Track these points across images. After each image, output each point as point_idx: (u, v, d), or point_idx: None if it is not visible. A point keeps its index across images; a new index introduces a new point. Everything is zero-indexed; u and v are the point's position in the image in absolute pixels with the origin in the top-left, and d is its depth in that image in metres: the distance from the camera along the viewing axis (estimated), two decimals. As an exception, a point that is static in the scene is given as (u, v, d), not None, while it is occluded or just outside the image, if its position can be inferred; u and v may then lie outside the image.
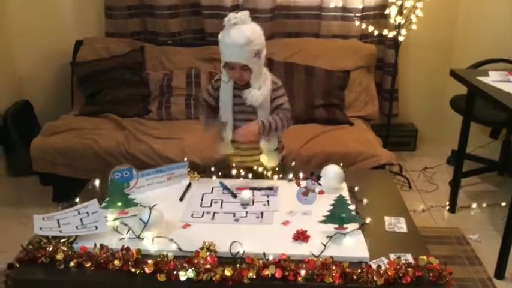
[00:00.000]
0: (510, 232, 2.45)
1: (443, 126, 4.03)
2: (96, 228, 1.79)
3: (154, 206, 1.79)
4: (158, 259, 1.62)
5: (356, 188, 2.13)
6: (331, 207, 1.79)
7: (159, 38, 3.77)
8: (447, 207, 3.15)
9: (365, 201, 2.04)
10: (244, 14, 2.03)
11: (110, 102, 3.41)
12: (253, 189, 2.10)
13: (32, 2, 3.65)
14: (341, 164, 2.14)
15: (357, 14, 3.53)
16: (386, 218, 1.93)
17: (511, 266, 2.53)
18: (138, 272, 1.60)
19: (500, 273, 2.51)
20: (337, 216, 1.79)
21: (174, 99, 3.39)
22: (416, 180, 3.53)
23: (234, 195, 2.05)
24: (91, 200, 1.98)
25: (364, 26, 3.44)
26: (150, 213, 1.74)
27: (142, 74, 3.52)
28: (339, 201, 1.78)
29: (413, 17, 3.22)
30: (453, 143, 3.26)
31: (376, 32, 3.40)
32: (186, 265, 1.59)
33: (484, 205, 3.19)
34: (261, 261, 1.61)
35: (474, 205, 3.17)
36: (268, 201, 2.02)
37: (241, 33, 1.99)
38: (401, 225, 1.89)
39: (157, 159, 2.94)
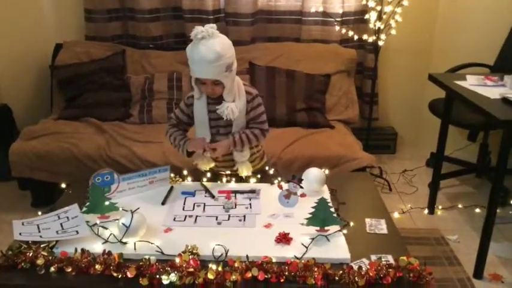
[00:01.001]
0: (488, 232, 2.50)
1: (422, 130, 4.10)
2: (77, 232, 1.77)
3: (137, 210, 1.78)
4: (140, 263, 1.62)
5: (337, 191, 2.16)
6: (313, 210, 1.81)
7: (140, 42, 3.75)
8: (426, 209, 3.19)
9: (346, 203, 2.06)
10: (212, 27, 1.96)
11: (91, 106, 3.38)
12: (235, 192, 2.11)
13: (11, 4, 3.60)
14: (323, 169, 2.15)
15: (337, 19, 3.57)
16: (367, 220, 1.95)
17: (489, 266, 2.58)
18: (120, 276, 1.59)
19: (478, 273, 2.55)
20: (318, 218, 1.81)
21: (155, 103, 3.38)
22: (396, 183, 3.57)
23: (212, 196, 2.06)
24: (71, 205, 1.96)
25: (344, 30, 3.47)
26: (132, 217, 1.74)
27: (123, 77, 3.50)
28: (321, 204, 1.80)
29: (392, 22, 3.27)
30: (432, 146, 3.32)
31: (356, 37, 3.44)
32: (169, 269, 1.59)
33: (461, 206, 3.25)
34: (243, 263, 1.62)
35: (452, 206, 3.23)
36: (250, 204, 2.03)
37: (210, 48, 1.91)
38: (382, 227, 1.92)
39: (138, 163, 2.92)
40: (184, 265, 1.60)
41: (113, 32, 3.76)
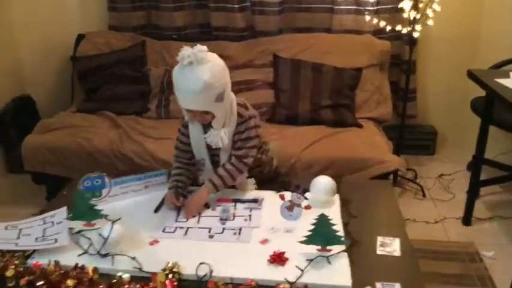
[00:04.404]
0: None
1: (466, 129, 3.74)
2: (56, 241, 1.65)
3: (118, 220, 1.64)
4: (113, 280, 1.47)
5: (351, 201, 1.94)
6: (313, 227, 1.60)
7: (164, 32, 3.62)
8: (462, 219, 2.89)
9: (358, 217, 1.84)
10: (201, 51, 1.69)
11: (109, 99, 3.28)
12: (236, 201, 1.94)
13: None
14: (341, 175, 1.93)
15: (370, 8, 3.29)
16: (379, 239, 1.73)
17: (527, 290, 2.28)
18: (91, 294, 1.46)
19: (514, 297, 2.26)
20: (320, 236, 1.60)
21: (173, 97, 3.22)
22: (432, 188, 3.27)
23: (208, 206, 1.89)
24: (60, 209, 1.85)
25: (375, 20, 3.19)
26: (112, 228, 1.59)
27: (143, 69, 3.37)
28: (321, 221, 1.59)
29: (429, 12, 2.96)
30: (475, 148, 2.98)
31: (388, 28, 3.15)
32: (143, 289, 1.44)
33: (502, 217, 2.92)
34: (228, 286, 1.45)
35: (492, 217, 2.91)
36: (250, 215, 1.85)
37: (197, 78, 1.67)
38: (395, 248, 1.69)
39: (150, 160, 2.79)
40: (158, 286, 1.44)
41: (136, 22, 3.63)
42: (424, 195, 3.18)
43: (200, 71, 1.69)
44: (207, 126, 1.89)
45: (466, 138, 3.71)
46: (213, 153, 1.97)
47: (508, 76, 2.46)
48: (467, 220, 2.87)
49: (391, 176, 3.23)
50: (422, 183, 3.30)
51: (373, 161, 2.68)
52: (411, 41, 3.08)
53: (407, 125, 3.67)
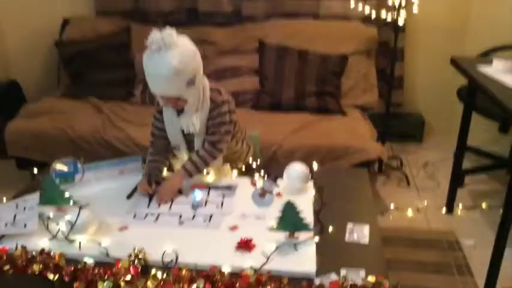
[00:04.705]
0: (503, 238, 2.20)
1: (453, 118, 3.71)
2: (25, 226, 1.65)
3: (86, 205, 1.64)
4: (78, 266, 1.48)
5: (325, 189, 1.93)
6: (280, 214, 1.60)
7: (151, 18, 3.58)
8: (444, 208, 2.89)
9: (331, 204, 1.83)
10: (169, 35, 1.66)
11: (94, 85, 3.27)
12: (210, 187, 1.93)
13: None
14: (314, 163, 1.92)
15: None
16: (349, 225, 1.73)
17: (503, 279, 2.28)
18: (55, 278, 1.46)
19: (490, 286, 2.26)
20: (288, 222, 1.60)
21: (158, 83, 3.22)
22: (417, 176, 3.27)
23: (181, 192, 1.89)
24: (33, 194, 1.84)
25: (360, 7, 3.15)
26: (79, 213, 1.60)
27: (128, 55, 3.35)
28: (287, 208, 1.59)
29: (414, -1, 2.94)
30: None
31: (374, 15, 3.12)
32: (106, 275, 1.44)
33: (485, 207, 2.92)
34: (191, 273, 1.45)
35: (475, 206, 2.91)
36: (222, 202, 1.84)
37: (166, 63, 1.65)
38: (364, 235, 1.69)
39: (132, 146, 2.79)
40: (122, 271, 1.44)
41: (123, 7, 3.60)
42: (408, 184, 3.18)
43: (169, 57, 1.66)
44: (181, 112, 1.88)
45: (454, 127, 3.66)
46: (188, 139, 1.96)
47: (490, 64, 2.43)
48: (449, 208, 2.87)
49: (376, 164, 3.25)
50: (407, 171, 3.29)
51: (354, 149, 2.68)
52: (396, 28, 3.05)
53: (395, 113, 3.67)
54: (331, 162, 2.66)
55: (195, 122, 1.84)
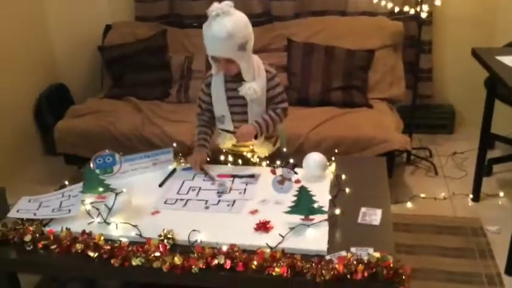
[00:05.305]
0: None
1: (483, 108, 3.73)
2: (69, 211, 1.87)
3: (122, 192, 1.83)
4: (115, 245, 1.67)
5: (343, 176, 2.05)
6: (295, 199, 1.74)
7: (185, 21, 3.78)
8: (471, 196, 2.94)
9: (347, 190, 1.96)
10: (227, 4, 1.93)
11: (133, 86, 3.50)
12: (234, 176, 2.10)
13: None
14: (335, 151, 2.05)
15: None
16: (362, 209, 1.85)
17: (524, 262, 2.33)
18: (95, 256, 1.66)
19: (511, 268, 2.31)
20: (303, 207, 1.74)
21: (193, 82, 3.41)
22: (445, 166, 3.32)
23: (213, 179, 2.06)
24: (77, 184, 2.06)
25: (383, 2, 3.23)
26: (115, 198, 1.79)
27: (164, 57, 3.57)
28: (302, 193, 1.73)
29: (436, -8, 2.99)
30: (495, 126, 2.98)
31: (397, 9, 3.19)
32: (139, 252, 1.63)
33: (513, 194, 2.95)
34: (213, 250, 1.61)
35: (503, 194, 2.94)
36: (245, 189, 2.00)
37: (222, 26, 1.90)
38: (375, 218, 1.81)
39: (169, 142, 2.96)
40: (152, 249, 1.62)
41: (160, 11, 3.82)
42: (436, 173, 3.24)
43: (225, 21, 1.90)
44: (230, 82, 2.09)
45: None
46: (233, 110, 2.14)
47: (509, 54, 2.48)
48: (476, 196, 2.92)
49: (404, 155, 3.32)
50: (436, 161, 3.34)
51: (378, 140, 2.77)
52: (419, 22, 3.11)
53: (426, 105, 3.72)
54: (356, 153, 2.77)
55: (256, 88, 2.03)
